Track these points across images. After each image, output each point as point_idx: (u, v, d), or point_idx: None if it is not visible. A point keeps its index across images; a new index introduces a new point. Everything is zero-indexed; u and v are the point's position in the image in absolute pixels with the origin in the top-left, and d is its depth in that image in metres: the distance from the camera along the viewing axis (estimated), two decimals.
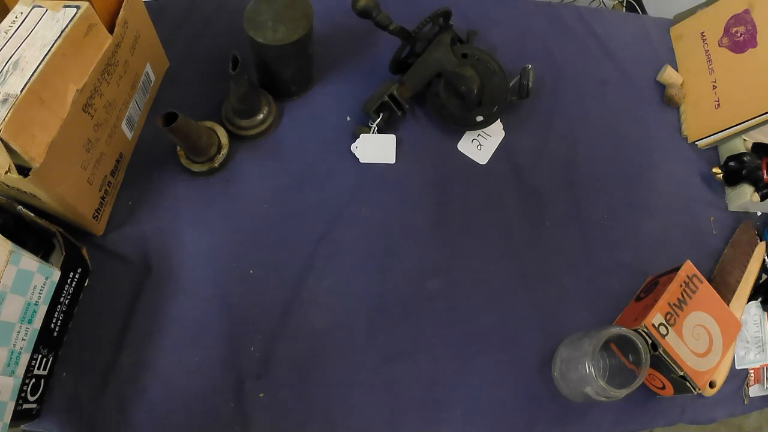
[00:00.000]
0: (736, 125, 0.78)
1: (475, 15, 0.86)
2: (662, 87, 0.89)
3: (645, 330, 0.63)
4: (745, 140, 0.83)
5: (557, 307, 0.71)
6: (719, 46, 0.84)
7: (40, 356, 0.53)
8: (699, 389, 0.63)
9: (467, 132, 0.78)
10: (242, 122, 0.70)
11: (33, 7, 0.51)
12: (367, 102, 0.73)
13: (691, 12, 0.92)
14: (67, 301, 0.57)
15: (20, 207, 0.53)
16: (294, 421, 0.61)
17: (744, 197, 0.80)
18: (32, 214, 0.54)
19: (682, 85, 0.88)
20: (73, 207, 0.56)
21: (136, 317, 0.62)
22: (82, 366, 0.59)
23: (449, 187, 0.75)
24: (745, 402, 0.74)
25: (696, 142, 0.86)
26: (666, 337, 0.63)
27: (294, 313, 0.65)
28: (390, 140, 0.74)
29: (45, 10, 0.51)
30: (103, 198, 0.62)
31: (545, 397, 0.67)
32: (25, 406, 0.52)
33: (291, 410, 0.62)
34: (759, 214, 0.84)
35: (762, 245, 0.80)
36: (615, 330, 0.60)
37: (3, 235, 0.46)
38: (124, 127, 0.64)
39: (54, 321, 0.55)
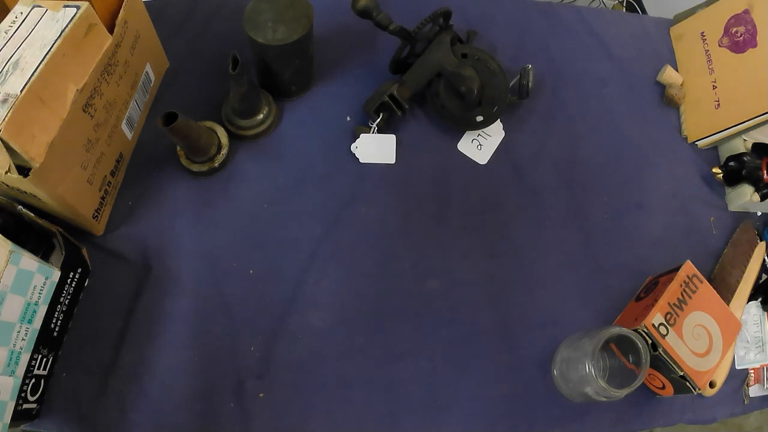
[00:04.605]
0: (736, 125, 0.78)
1: (475, 15, 0.86)
2: (662, 87, 0.89)
3: (645, 330, 0.63)
4: (745, 140, 0.83)
5: (557, 307, 0.71)
6: (719, 46, 0.84)
7: (40, 356, 0.53)
8: (699, 389, 0.63)
9: (467, 132, 0.78)
10: (242, 122, 0.70)
11: (33, 7, 0.51)
12: (367, 102, 0.73)
13: (691, 12, 0.92)
14: (67, 301, 0.57)
15: (20, 207, 0.53)
16: (294, 421, 0.61)
17: (744, 197, 0.80)
18: (32, 214, 0.54)
19: (682, 85, 0.88)
20: (73, 207, 0.56)
21: (136, 317, 0.62)
22: (82, 366, 0.59)
23: (449, 187, 0.75)
24: (745, 402, 0.74)
25: (696, 142, 0.85)
26: (666, 337, 0.63)
27: (294, 313, 0.65)
28: (390, 140, 0.74)
29: (45, 10, 0.51)
30: (103, 198, 0.62)
31: (545, 397, 0.67)
32: (25, 406, 0.52)
33: (291, 410, 0.62)
34: (759, 214, 0.84)
35: (762, 245, 0.80)
36: (615, 330, 0.60)
37: (3, 235, 0.46)
38: (124, 127, 0.64)
39: (54, 321, 0.55)
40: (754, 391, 0.74)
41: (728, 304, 0.73)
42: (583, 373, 0.60)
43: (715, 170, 0.82)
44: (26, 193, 0.52)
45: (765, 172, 0.76)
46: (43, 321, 0.52)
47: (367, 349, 0.65)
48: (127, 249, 0.64)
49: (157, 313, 0.62)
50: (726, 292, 0.75)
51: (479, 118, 0.75)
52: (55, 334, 0.56)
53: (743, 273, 0.77)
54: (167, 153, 0.68)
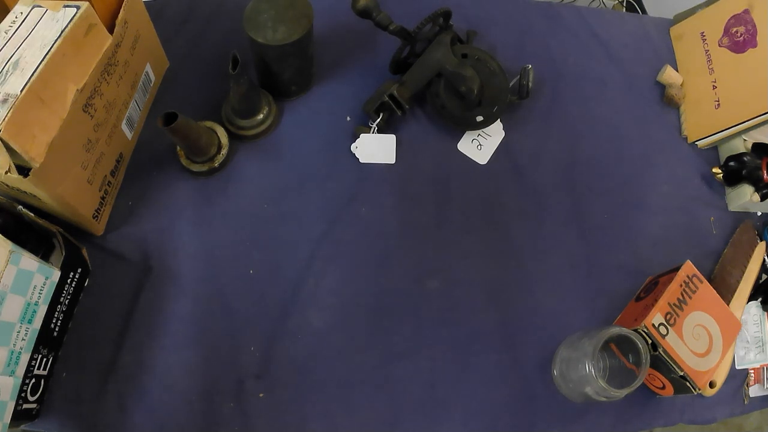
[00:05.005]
0: (736, 125, 0.78)
1: (475, 15, 0.86)
2: (662, 87, 0.89)
3: (645, 330, 0.63)
4: (745, 140, 0.83)
5: (557, 307, 0.71)
6: (719, 46, 0.84)
7: (40, 356, 0.53)
8: (699, 389, 0.63)
9: (467, 132, 0.78)
10: (242, 122, 0.70)
11: (33, 7, 0.51)
12: (367, 102, 0.73)
13: (691, 12, 0.92)
14: (67, 301, 0.57)
15: (20, 207, 0.53)
16: (294, 421, 0.61)
17: (744, 197, 0.80)
18: (32, 214, 0.54)
19: (682, 85, 0.88)
20: (73, 207, 0.56)
21: (135, 317, 0.62)
22: (82, 366, 0.59)
23: (449, 187, 0.75)
24: (745, 402, 0.74)
25: (696, 142, 0.85)
26: (666, 337, 0.63)
27: (294, 313, 0.65)
28: (390, 140, 0.74)
29: (45, 10, 0.51)
30: (103, 198, 0.62)
31: (545, 397, 0.67)
32: (25, 406, 0.52)
33: (291, 410, 0.62)
34: (759, 214, 0.84)
35: (762, 245, 0.80)
36: (615, 330, 0.60)
37: (3, 235, 0.46)
38: (124, 127, 0.64)
39: (54, 321, 0.55)
40: (754, 391, 0.74)
41: (728, 304, 0.73)
42: (583, 373, 0.60)
43: (715, 170, 0.82)
44: (26, 193, 0.52)
45: (765, 172, 0.76)
46: (43, 321, 0.52)
47: (367, 349, 0.65)
48: (127, 249, 0.64)
49: (157, 313, 0.62)
50: (726, 292, 0.75)
51: (479, 118, 0.75)
52: (55, 334, 0.56)
53: (743, 273, 0.77)
54: (167, 153, 0.68)
